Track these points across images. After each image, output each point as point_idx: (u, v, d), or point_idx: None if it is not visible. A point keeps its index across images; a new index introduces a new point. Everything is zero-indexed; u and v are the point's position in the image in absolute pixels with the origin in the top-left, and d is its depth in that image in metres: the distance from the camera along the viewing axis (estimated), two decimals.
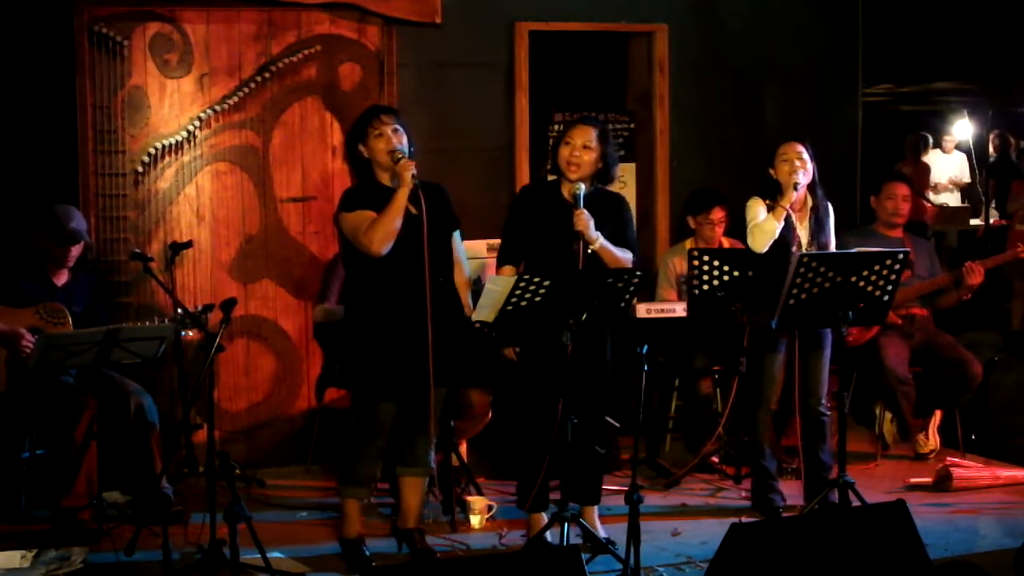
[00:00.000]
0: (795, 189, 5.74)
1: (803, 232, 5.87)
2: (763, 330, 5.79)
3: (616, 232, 5.36)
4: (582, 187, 5.29)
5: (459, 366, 5.33)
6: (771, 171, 5.88)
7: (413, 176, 5.11)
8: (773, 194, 5.86)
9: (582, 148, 5.34)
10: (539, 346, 5.25)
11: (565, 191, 5.40)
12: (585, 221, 5.21)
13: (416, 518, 5.45)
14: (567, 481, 5.28)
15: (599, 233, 5.25)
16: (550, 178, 5.52)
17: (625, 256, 5.38)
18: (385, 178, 5.23)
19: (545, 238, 5.35)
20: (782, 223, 5.74)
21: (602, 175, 5.42)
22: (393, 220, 5.07)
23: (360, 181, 5.31)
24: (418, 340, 5.13)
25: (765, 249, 5.76)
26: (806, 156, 5.84)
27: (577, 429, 5.20)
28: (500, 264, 5.48)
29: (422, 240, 5.14)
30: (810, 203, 5.91)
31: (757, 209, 5.83)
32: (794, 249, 5.77)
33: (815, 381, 5.91)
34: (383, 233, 5.06)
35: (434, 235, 5.19)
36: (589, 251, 5.23)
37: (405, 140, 5.23)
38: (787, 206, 5.75)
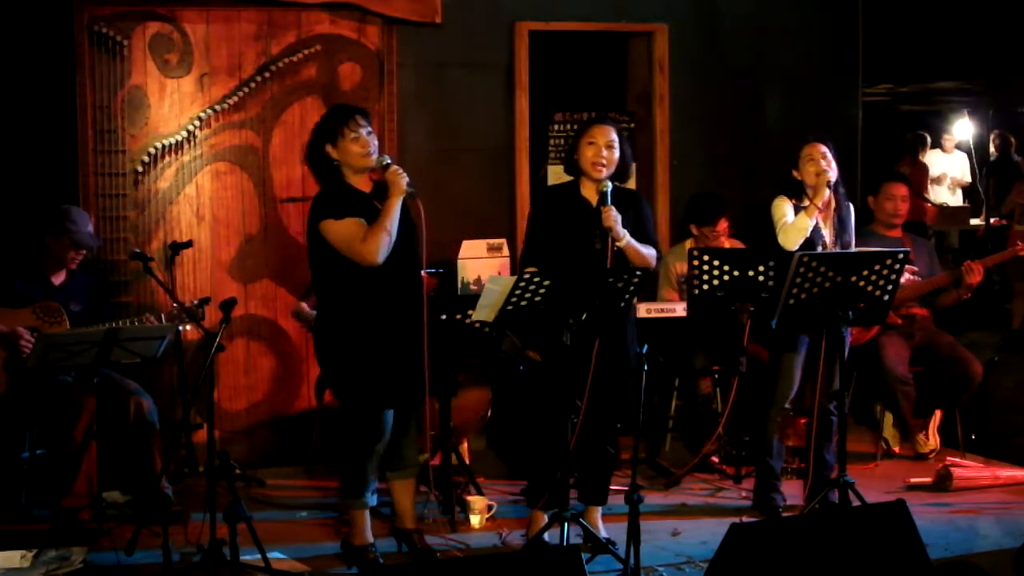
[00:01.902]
0: (829, 187, 5.75)
1: (827, 232, 5.87)
2: (784, 330, 5.78)
3: (637, 229, 5.35)
4: (609, 184, 5.29)
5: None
6: (795, 172, 5.87)
7: (408, 184, 5.07)
8: (798, 195, 5.85)
9: (607, 148, 5.34)
10: (556, 347, 5.22)
11: (585, 191, 5.40)
12: (613, 218, 5.22)
13: (413, 517, 5.45)
14: (578, 481, 5.28)
15: (626, 230, 5.26)
16: (564, 179, 5.52)
17: (649, 253, 5.38)
18: (356, 181, 5.16)
19: (569, 240, 5.33)
20: (815, 220, 5.74)
21: (621, 173, 5.42)
22: (391, 229, 5.01)
23: (329, 184, 5.16)
24: (410, 345, 5.13)
25: (796, 247, 5.74)
26: (829, 155, 5.84)
27: (588, 429, 5.21)
28: (525, 266, 5.41)
29: (413, 246, 5.14)
30: (833, 203, 5.91)
31: (785, 208, 5.83)
32: (819, 249, 5.76)
33: (831, 380, 5.90)
34: (381, 243, 4.99)
35: (413, 240, 5.19)
36: (615, 248, 5.23)
37: (377, 142, 5.21)
38: (820, 204, 5.74)
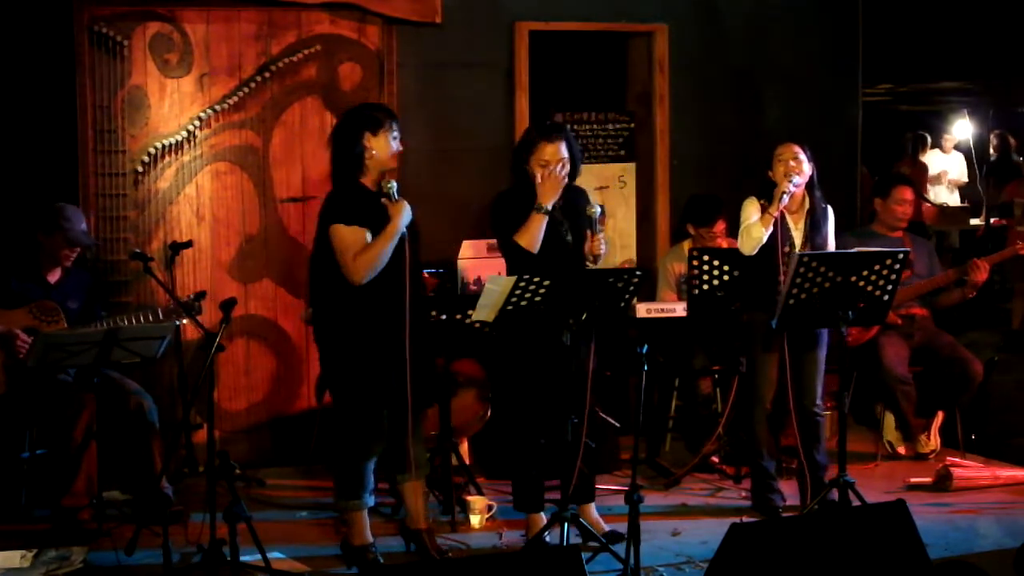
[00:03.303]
0: (781, 200, 5.70)
1: (797, 233, 5.85)
2: (758, 329, 5.80)
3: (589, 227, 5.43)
4: (598, 210, 5.35)
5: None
6: (769, 172, 5.86)
7: (407, 224, 5.08)
8: (769, 195, 5.84)
9: (559, 165, 5.36)
10: (533, 346, 5.24)
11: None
12: (600, 248, 5.36)
13: (425, 518, 5.44)
14: (565, 481, 5.29)
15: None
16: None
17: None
18: (368, 180, 5.16)
19: (545, 242, 5.34)
20: (770, 230, 5.72)
21: (573, 176, 5.46)
22: (382, 258, 5.04)
23: (343, 182, 5.16)
24: (402, 348, 5.14)
25: (753, 253, 5.76)
26: (802, 157, 5.80)
27: (573, 427, 5.22)
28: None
29: (415, 247, 5.18)
30: (807, 204, 5.89)
31: (750, 211, 5.82)
32: (786, 250, 5.76)
33: (810, 381, 5.89)
34: (370, 266, 5.03)
35: (415, 252, 5.22)
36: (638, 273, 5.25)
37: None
38: (775, 214, 5.71)
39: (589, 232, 5.36)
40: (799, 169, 5.77)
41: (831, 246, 5.92)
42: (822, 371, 5.91)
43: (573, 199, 5.44)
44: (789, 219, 5.83)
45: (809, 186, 5.86)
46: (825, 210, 5.94)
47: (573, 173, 5.45)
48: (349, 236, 5.04)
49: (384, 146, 5.15)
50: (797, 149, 5.81)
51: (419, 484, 5.43)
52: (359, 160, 5.14)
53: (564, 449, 5.21)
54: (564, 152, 5.37)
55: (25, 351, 5.55)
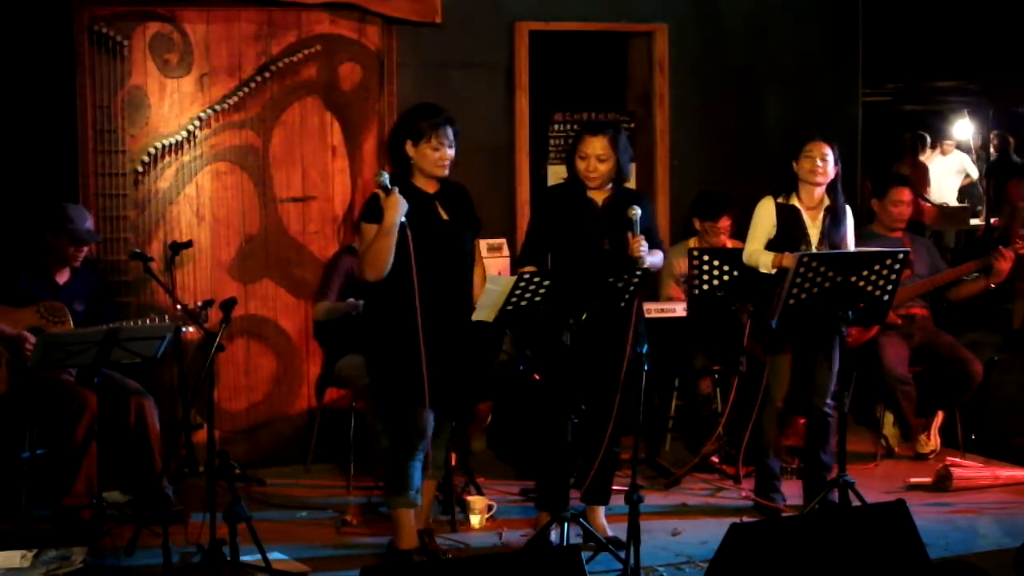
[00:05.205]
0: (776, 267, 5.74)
1: (814, 231, 5.84)
2: (773, 328, 5.78)
3: (645, 233, 5.37)
4: (639, 211, 5.31)
5: (477, 378, 5.30)
6: (794, 163, 5.86)
7: (404, 216, 5.01)
8: (788, 189, 5.85)
9: (596, 160, 5.36)
10: (555, 349, 5.21)
11: (591, 192, 5.43)
12: (640, 249, 5.28)
13: (425, 518, 5.44)
14: (579, 480, 5.29)
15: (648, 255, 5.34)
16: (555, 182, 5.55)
17: (659, 260, 5.50)
18: (422, 182, 5.19)
19: (576, 239, 5.37)
20: (775, 271, 5.74)
21: (619, 177, 5.45)
22: (381, 255, 5.00)
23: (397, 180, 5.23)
24: (442, 348, 5.11)
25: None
26: (830, 158, 5.81)
27: (592, 428, 5.20)
28: (522, 264, 5.46)
29: (449, 248, 5.15)
30: (826, 203, 5.89)
31: (763, 217, 5.83)
32: (803, 248, 5.76)
33: (825, 381, 5.88)
34: (372, 266, 5.03)
35: (451, 241, 5.19)
36: (638, 273, 5.19)
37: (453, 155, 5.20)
38: (787, 264, 5.69)
39: (629, 234, 5.31)
40: (824, 170, 5.79)
41: (850, 246, 5.93)
42: (836, 371, 5.89)
43: (625, 201, 5.38)
44: (806, 215, 5.83)
45: (832, 186, 5.87)
46: (845, 210, 5.95)
47: (620, 175, 5.44)
48: (365, 233, 5.10)
49: (424, 157, 5.14)
50: (827, 149, 5.82)
51: (430, 484, 5.43)
52: (407, 164, 5.19)
53: (563, 450, 5.20)
54: (607, 148, 5.35)
55: (30, 352, 5.55)
